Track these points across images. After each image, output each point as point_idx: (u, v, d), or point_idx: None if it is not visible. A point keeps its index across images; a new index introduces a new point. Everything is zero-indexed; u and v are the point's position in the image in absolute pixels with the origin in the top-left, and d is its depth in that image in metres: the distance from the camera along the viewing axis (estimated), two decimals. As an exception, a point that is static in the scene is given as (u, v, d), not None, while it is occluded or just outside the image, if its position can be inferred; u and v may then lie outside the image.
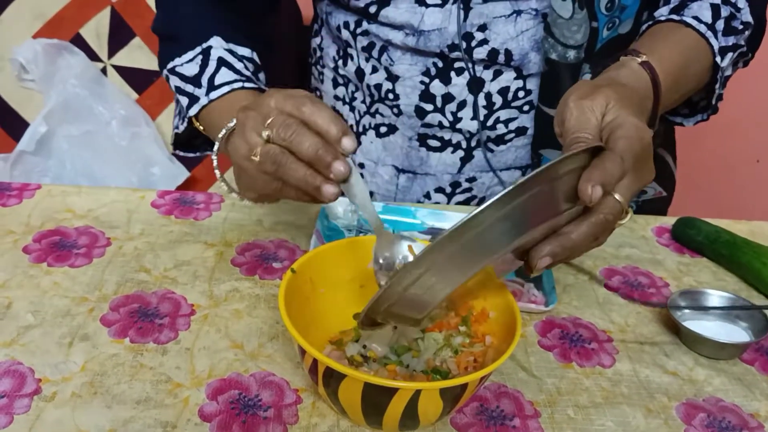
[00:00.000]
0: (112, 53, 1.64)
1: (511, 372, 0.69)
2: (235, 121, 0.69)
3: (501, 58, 0.89)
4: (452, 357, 0.64)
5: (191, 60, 0.82)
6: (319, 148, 0.60)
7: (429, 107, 0.93)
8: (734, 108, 1.73)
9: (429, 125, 0.94)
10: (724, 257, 0.89)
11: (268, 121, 0.62)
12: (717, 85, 0.85)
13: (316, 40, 1.04)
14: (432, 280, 0.55)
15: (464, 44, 0.88)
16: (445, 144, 0.95)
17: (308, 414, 0.61)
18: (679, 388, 0.69)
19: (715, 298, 0.78)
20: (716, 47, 0.82)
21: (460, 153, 0.95)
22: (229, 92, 0.79)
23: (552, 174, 0.54)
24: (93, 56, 1.63)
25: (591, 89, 0.66)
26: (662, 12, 0.85)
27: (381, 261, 0.63)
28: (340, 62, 0.98)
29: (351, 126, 1.00)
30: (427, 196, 0.98)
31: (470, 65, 0.90)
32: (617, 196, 0.60)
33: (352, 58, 0.96)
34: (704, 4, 0.83)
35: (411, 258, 0.62)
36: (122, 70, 1.65)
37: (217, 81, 0.80)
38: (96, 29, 1.61)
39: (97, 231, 0.82)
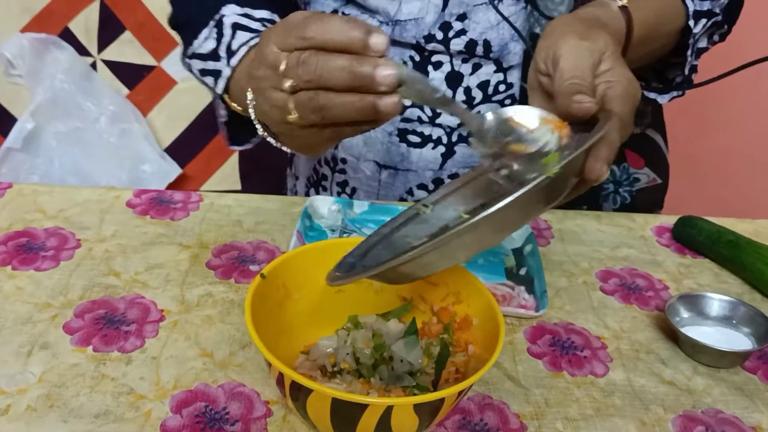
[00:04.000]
0: (101, 48, 1.61)
1: (497, 382, 0.65)
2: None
3: (479, 49, 0.85)
4: (432, 368, 0.60)
5: (207, 37, 0.75)
6: (351, 67, 0.51)
7: (407, 102, 0.89)
8: (737, 101, 1.69)
9: (408, 120, 0.90)
10: (726, 258, 0.85)
11: (281, 68, 0.53)
12: (689, 52, 0.81)
13: None
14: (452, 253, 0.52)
15: (441, 34, 0.84)
16: (425, 140, 0.91)
17: (278, 428, 0.58)
18: (676, 399, 0.65)
19: (716, 302, 0.74)
20: (691, 9, 0.79)
21: (441, 149, 0.91)
22: (247, 52, 0.71)
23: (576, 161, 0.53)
24: (82, 51, 1.60)
25: (586, 30, 0.63)
26: None
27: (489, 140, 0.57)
28: None
29: None
30: (410, 192, 0.95)
31: (448, 58, 0.86)
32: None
33: None
34: None
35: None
36: (112, 65, 1.62)
37: (234, 46, 0.72)
38: (85, 23, 1.58)
39: (67, 232, 0.79)
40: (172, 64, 1.62)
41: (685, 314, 0.74)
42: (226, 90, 0.73)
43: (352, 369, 0.59)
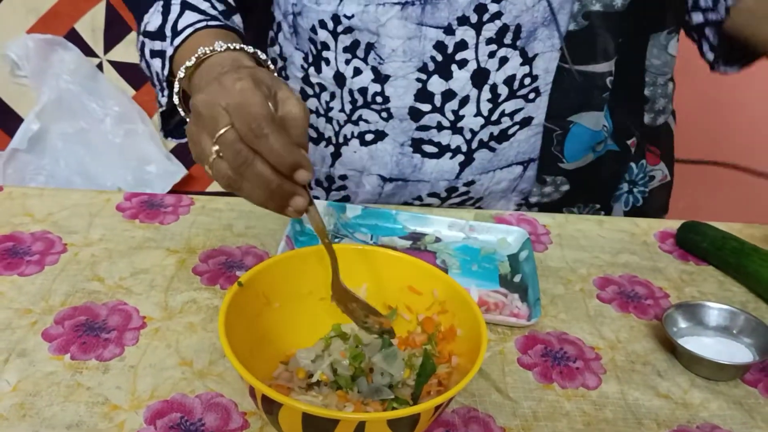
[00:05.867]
0: (107, 48, 1.61)
1: (484, 394, 0.63)
2: (194, 60, 0.63)
3: (509, 37, 0.82)
4: (413, 380, 0.58)
5: (154, 12, 0.74)
6: (273, 187, 0.54)
7: (426, 107, 0.85)
8: (754, 99, 1.64)
9: (425, 128, 0.87)
10: (730, 265, 0.82)
11: (219, 132, 0.54)
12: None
13: (274, 50, 0.95)
14: None
15: (475, 17, 0.81)
16: (443, 150, 0.88)
17: (254, 441, 0.56)
18: (671, 413, 0.63)
19: (715, 312, 0.71)
20: None
21: (460, 158, 0.88)
22: (192, 33, 0.71)
23: None
24: (88, 51, 1.60)
25: None
26: None
27: None
28: (311, 69, 0.89)
29: (329, 138, 0.92)
30: (419, 198, 0.92)
31: (473, 54, 0.82)
32: None
33: (328, 63, 0.87)
34: None
35: None
36: (118, 66, 1.62)
37: (180, 26, 0.71)
38: (91, 24, 1.58)
39: (54, 236, 0.78)
40: (178, 64, 1.62)
41: (683, 324, 0.71)
42: (171, 72, 0.72)
43: (329, 381, 0.57)
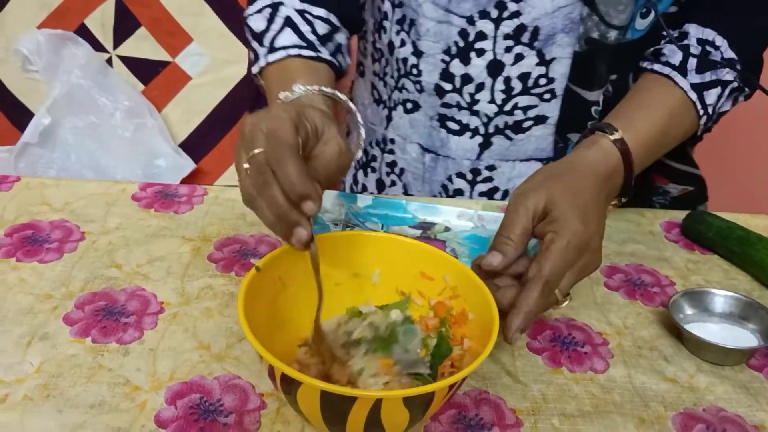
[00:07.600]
0: (117, 43, 1.62)
1: (495, 377, 0.64)
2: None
3: (526, 36, 0.85)
4: (428, 361, 0.60)
5: (260, 11, 0.82)
6: (280, 212, 0.57)
7: (448, 87, 0.90)
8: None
9: (448, 105, 0.92)
10: (736, 254, 0.84)
11: (253, 152, 0.58)
12: (703, 121, 0.83)
13: (366, 15, 1.02)
14: None
15: (495, 12, 0.84)
16: (463, 128, 0.92)
17: (271, 421, 0.58)
18: (678, 397, 0.64)
19: (721, 298, 0.73)
20: (686, 85, 0.80)
21: (479, 138, 0.92)
22: (284, 58, 0.78)
23: None
24: (98, 47, 1.61)
25: (536, 184, 0.68)
26: (644, 59, 0.86)
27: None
28: (376, 35, 0.96)
29: (384, 101, 0.98)
30: (450, 180, 0.96)
31: (491, 45, 0.86)
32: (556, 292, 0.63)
33: (385, 31, 0.94)
34: (675, 48, 0.82)
35: None
36: (127, 61, 1.63)
37: (277, 43, 0.79)
38: (101, 19, 1.59)
39: (72, 225, 0.79)
40: (187, 59, 1.63)
41: (689, 311, 0.72)
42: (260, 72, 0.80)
43: (368, 338, 0.59)
